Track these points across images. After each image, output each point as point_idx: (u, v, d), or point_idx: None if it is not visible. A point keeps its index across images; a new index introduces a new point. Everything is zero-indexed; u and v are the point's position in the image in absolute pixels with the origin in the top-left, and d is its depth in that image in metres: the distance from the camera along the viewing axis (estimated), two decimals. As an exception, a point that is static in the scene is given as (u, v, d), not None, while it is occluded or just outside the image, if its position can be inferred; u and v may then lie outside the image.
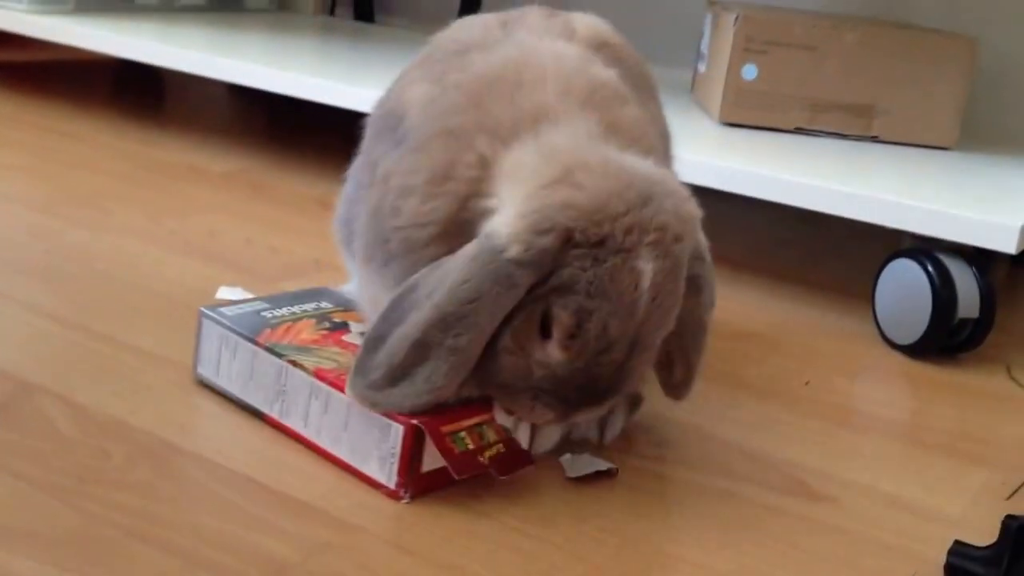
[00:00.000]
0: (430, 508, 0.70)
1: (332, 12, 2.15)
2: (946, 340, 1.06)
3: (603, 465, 0.76)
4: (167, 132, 1.63)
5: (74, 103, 1.73)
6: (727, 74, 1.39)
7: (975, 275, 1.06)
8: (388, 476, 0.72)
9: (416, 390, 0.69)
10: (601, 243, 0.67)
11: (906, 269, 1.07)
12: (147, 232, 1.15)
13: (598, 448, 0.80)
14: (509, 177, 0.70)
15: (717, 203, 1.43)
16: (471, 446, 0.72)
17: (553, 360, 0.68)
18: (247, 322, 0.82)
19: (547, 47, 0.79)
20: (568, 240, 0.66)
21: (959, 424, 0.92)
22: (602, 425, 0.81)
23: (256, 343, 0.79)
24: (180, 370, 0.84)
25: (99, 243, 1.10)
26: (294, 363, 0.77)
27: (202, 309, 0.84)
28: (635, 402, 0.83)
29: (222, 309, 0.84)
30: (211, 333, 0.83)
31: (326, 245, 1.01)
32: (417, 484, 0.71)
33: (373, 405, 0.70)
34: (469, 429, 0.72)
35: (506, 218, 0.68)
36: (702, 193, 1.13)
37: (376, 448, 0.72)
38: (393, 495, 0.71)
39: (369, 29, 2.01)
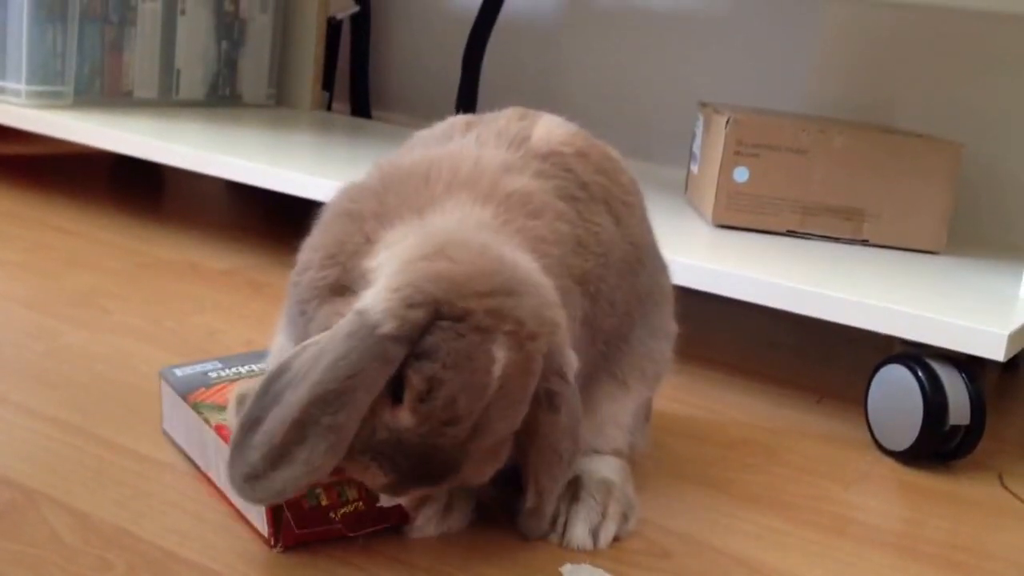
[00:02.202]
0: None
1: (329, 107, 2.19)
2: (938, 447, 1.06)
3: (603, 577, 0.77)
4: (166, 228, 1.65)
5: (71, 197, 1.75)
6: (719, 177, 1.41)
7: (965, 381, 1.06)
8: (263, 524, 0.76)
9: (295, 473, 0.68)
10: (463, 318, 0.68)
11: (897, 375, 1.08)
12: (146, 332, 1.16)
13: (595, 557, 0.80)
14: (387, 247, 0.74)
15: (710, 305, 1.45)
16: (324, 502, 0.75)
17: (400, 424, 0.68)
18: (190, 382, 0.88)
19: (472, 153, 0.81)
20: (436, 312, 0.68)
21: (952, 535, 0.93)
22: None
23: (186, 401, 0.85)
24: (181, 476, 0.84)
25: (98, 344, 1.10)
26: (207, 421, 0.82)
27: (161, 371, 0.91)
28: (629, 511, 0.84)
29: (176, 369, 0.90)
30: (166, 393, 0.89)
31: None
32: (289, 536, 0.75)
33: (252, 499, 0.70)
34: (327, 486, 0.75)
35: (379, 292, 0.69)
36: (696, 296, 1.15)
37: None
38: (267, 543, 0.75)
39: (366, 125, 2.04)
